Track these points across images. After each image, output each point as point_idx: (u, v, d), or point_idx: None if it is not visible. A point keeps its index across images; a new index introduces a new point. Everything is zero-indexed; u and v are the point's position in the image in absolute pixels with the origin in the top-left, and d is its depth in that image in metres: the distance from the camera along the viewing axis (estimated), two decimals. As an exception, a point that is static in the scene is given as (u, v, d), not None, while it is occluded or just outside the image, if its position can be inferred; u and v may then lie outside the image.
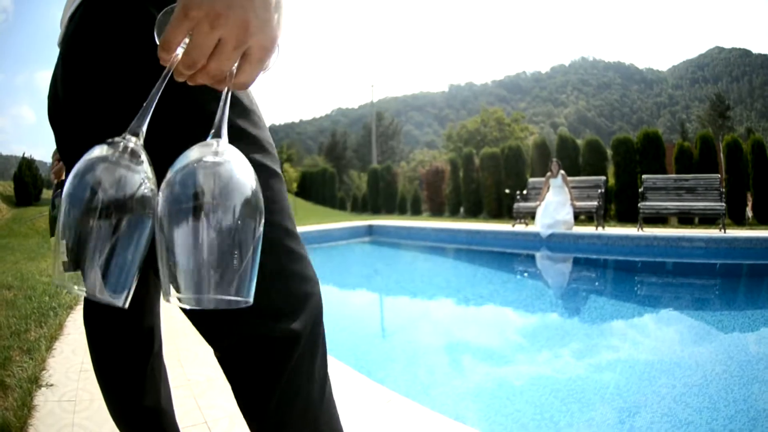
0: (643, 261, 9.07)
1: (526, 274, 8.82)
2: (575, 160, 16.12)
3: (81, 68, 0.89)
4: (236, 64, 0.66)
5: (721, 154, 13.30)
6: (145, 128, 0.62)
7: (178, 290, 0.56)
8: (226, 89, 0.68)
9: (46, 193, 23.85)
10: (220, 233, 0.54)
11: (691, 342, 4.36)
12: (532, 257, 10.45)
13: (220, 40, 0.61)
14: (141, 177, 0.57)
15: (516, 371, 3.85)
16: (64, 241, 0.53)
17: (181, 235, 0.54)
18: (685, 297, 6.41)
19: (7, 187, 22.42)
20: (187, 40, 0.62)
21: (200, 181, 0.55)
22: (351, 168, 68.48)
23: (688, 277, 7.92)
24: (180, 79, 0.67)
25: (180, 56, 0.63)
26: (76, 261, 0.54)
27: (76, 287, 0.56)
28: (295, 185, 31.07)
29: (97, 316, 1.25)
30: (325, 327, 1.06)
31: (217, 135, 0.63)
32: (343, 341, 4.89)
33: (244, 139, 0.88)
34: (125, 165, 0.56)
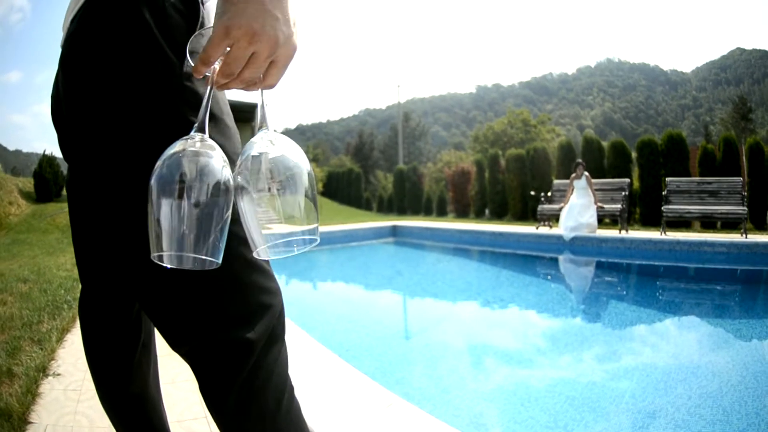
0: (665, 266, 8.94)
1: (547, 278, 8.75)
2: (600, 162, 15.95)
3: (78, 70, 0.96)
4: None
5: (744, 157, 13.09)
6: (207, 127, 0.79)
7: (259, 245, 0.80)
8: (260, 90, 0.85)
9: (68, 189, 24.29)
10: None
11: (709, 350, 4.31)
12: (555, 260, 10.38)
13: (254, 53, 0.77)
14: (220, 160, 0.75)
15: (532, 377, 3.83)
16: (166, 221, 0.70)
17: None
18: (706, 303, 6.32)
19: (27, 183, 22.61)
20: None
21: (266, 160, 0.77)
22: (378, 168, 68.49)
23: (709, 283, 7.78)
24: (217, 87, 0.82)
25: (216, 68, 0.79)
26: (177, 233, 0.71)
27: (165, 254, 0.72)
28: (320, 185, 31.16)
29: (90, 305, 1.32)
30: (287, 345, 1.14)
31: (266, 128, 0.84)
32: (360, 341, 4.94)
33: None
34: (206, 152, 0.74)
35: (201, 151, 0.74)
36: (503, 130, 48.87)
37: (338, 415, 2.39)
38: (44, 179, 21.52)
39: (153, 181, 0.71)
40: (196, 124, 0.79)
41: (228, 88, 0.84)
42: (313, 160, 38.17)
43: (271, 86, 0.85)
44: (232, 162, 0.90)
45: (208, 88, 0.81)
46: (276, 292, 1.09)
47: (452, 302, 6.98)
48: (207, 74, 0.82)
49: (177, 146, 0.74)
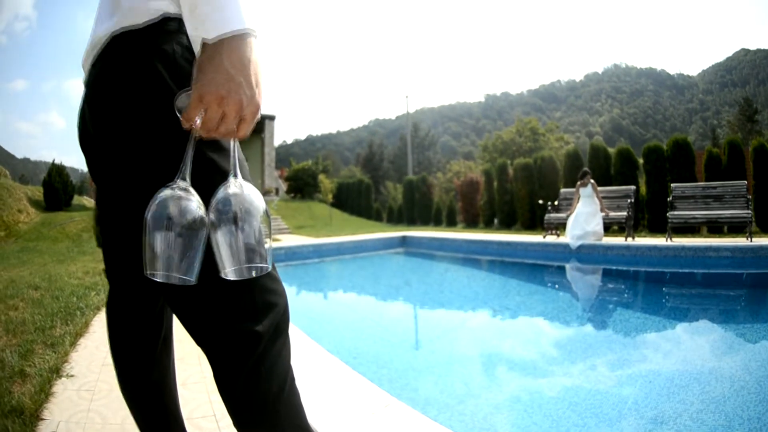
0: (670, 272, 8.93)
1: (554, 286, 8.79)
2: (607, 169, 15.93)
3: (103, 113, 1.17)
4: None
5: (750, 160, 13.05)
6: (189, 174, 1.00)
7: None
8: (233, 140, 1.07)
9: (78, 200, 24.52)
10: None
11: (712, 355, 4.30)
12: (561, 269, 10.41)
13: (224, 113, 0.98)
14: (197, 203, 0.97)
15: (537, 383, 3.84)
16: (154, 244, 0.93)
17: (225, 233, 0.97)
18: (710, 309, 6.32)
19: (36, 192, 22.82)
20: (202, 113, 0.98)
21: (232, 203, 0.98)
22: (388, 179, 68.23)
23: (714, 288, 7.77)
24: (199, 137, 1.03)
25: (198, 123, 0.98)
26: (165, 257, 0.94)
27: (158, 272, 0.94)
28: (330, 196, 31.25)
29: (118, 303, 1.51)
30: (290, 337, 1.32)
31: (235, 175, 1.03)
32: (368, 348, 5.03)
33: (216, 170, 1.15)
34: (187, 197, 0.96)
35: (183, 195, 0.96)
36: (512, 139, 48.76)
37: (336, 414, 2.47)
38: (53, 188, 21.76)
39: (147, 217, 0.93)
40: (179, 173, 1.00)
41: (210, 138, 1.05)
42: (323, 171, 38.14)
43: (244, 137, 1.06)
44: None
45: (190, 141, 1.02)
46: (281, 293, 1.28)
47: (459, 311, 7.05)
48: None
49: (165, 191, 0.96)
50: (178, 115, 1.02)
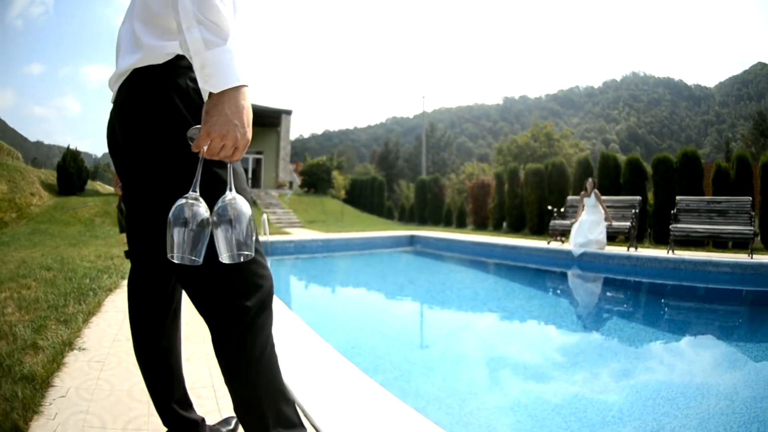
0: (669, 284, 8.98)
1: (553, 292, 8.92)
2: (616, 179, 15.93)
3: (132, 133, 1.55)
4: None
5: (757, 176, 12.92)
6: (198, 186, 1.37)
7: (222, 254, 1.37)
8: (229, 163, 1.41)
9: (91, 185, 25.14)
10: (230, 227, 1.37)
11: (701, 371, 4.34)
12: (562, 275, 10.52)
13: (224, 144, 1.33)
14: (204, 209, 1.34)
15: (523, 385, 3.93)
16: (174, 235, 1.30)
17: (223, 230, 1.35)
18: (705, 324, 6.37)
19: (49, 175, 23.08)
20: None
21: (228, 210, 1.34)
22: (402, 177, 67.95)
23: (711, 302, 7.77)
24: (204, 159, 1.40)
25: (205, 149, 1.34)
26: (181, 245, 1.30)
27: (175, 255, 1.31)
28: (342, 192, 31.40)
29: (138, 280, 1.87)
30: (273, 312, 1.68)
31: (230, 189, 1.40)
32: (366, 340, 5.25)
33: (218, 181, 1.50)
34: (197, 204, 1.33)
35: (194, 203, 1.33)
36: (526, 144, 48.63)
37: (328, 398, 2.64)
38: (68, 173, 22.07)
39: (170, 217, 1.31)
40: (191, 186, 1.36)
41: (213, 159, 1.37)
42: (337, 167, 38.21)
43: (238, 159, 1.41)
44: (242, 190, 1.50)
45: (199, 163, 1.37)
46: (267, 277, 1.64)
47: (459, 310, 7.23)
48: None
49: (181, 200, 1.33)
50: (190, 143, 1.38)
